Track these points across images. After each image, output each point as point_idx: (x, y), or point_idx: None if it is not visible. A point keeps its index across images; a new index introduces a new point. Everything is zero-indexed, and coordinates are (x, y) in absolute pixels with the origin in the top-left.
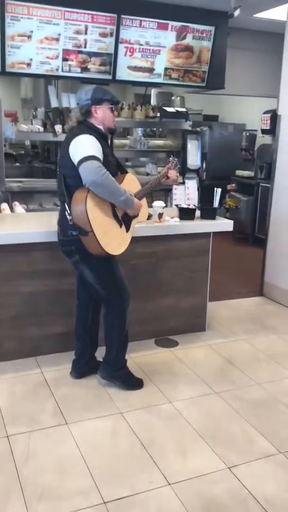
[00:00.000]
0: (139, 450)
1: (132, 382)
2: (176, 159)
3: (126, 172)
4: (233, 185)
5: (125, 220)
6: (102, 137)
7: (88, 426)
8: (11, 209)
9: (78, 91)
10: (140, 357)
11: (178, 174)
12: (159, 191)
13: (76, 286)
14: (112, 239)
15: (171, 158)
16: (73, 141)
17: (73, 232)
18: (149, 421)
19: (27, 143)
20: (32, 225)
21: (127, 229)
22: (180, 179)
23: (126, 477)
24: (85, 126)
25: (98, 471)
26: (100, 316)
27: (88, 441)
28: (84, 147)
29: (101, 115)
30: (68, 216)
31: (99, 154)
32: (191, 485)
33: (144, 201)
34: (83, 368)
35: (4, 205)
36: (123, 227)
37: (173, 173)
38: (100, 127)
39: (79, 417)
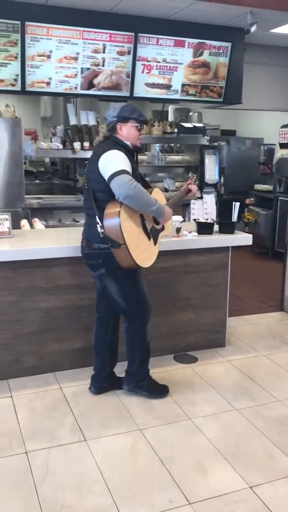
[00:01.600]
0: (158, 468)
1: (158, 389)
2: (195, 174)
3: (150, 187)
4: (252, 199)
5: (154, 234)
6: (129, 152)
7: (107, 442)
8: (31, 225)
9: (108, 108)
10: (159, 373)
11: (197, 188)
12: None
13: (96, 300)
14: (142, 252)
15: (190, 174)
16: (102, 156)
17: (101, 245)
18: (168, 438)
19: (47, 160)
20: (51, 241)
21: (155, 243)
22: (198, 194)
23: (145, 496)
24: (112, 142)
25: (117, 488)
26: (120, 331)
27: (107, 458)
28: (114, 162)
29: (126, 133)
30: (99, 229)
31: (129, 168)
32: (212, 505)
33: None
34: (102, 383)
35: (24, 222)
36: (151, 240)
37: (194, 188)
38: (127, 142)
39: (98, 434)
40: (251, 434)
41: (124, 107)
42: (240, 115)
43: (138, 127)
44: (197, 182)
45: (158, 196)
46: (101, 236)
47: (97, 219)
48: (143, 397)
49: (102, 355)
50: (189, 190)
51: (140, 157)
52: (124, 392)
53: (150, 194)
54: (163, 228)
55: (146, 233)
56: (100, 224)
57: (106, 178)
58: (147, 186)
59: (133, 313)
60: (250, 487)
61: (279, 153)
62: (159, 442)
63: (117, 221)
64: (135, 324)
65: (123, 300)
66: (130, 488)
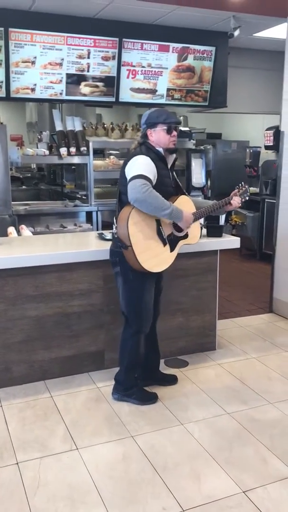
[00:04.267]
0: (151, 475)
1: (147, 397)
2: (246, 186)
3: (184, 194)
4: None
5: (172, 240)
6: (160, 158)
7: (99, 451)
8: (18, 232)
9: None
10: None
11: (243, 201)
12: None
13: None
14: (152, 257)
15: (240, 185)
16: (130, 161)
17: (119, 244)
18: (161, 444)
19: (33, 166)
20: (39, 248)
21: (172, 249)
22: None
23: (138, 504)
24: (145, 147)
25: (110, 498)
26: (157, 325)
27: (99, 466)
28: (136, 167)
29: (156, 138)
30: (114, 230)
31: (151, 174)
32: (206, 511)
33: (197, 224)
34: (146, 378)
35: (11, 229)
36: (167, 246)
37: (236, 200)
38: (159, 149)
39: (89, 442)
40: (243, 438)
41: (152, 113)
42: (225, 119)
43: (167, 130)
44: (248, 193)
45: (185, 204)
46: (115, 236)
47: (115, 220)
48: (133, 404)
49: (144, 348)
50: (230, 203)
51: None
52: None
53: (176, 200)
54: (186, 236)
55: (161, 238)
56: (116, 225)
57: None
58: (181, 193)
59: (130, 318)
60: (244, 492)
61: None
62: (152, 449)
63: (125, 223)
64: (130, 330)
65: (125, 302)
66: (123, 497)
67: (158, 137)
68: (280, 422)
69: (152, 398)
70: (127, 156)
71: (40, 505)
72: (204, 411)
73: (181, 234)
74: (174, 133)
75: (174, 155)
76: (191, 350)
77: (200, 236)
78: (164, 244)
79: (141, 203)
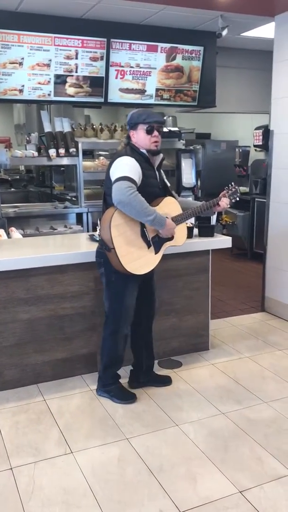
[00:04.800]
0: (147, 477)
1: (122, 396)
2: (236, 187)
3: (172, 196)
4: None
5: (157, 242)
6: (145, 159)
7: (94, 454)
8: (8, 234)
9: None
10: None
11: (232, 202)
12: None
13: None
14: (136, 259)
15: (229, 186)
16: (114, 162)
17: (104, 246)
18: (156, 446)
19: (22, 168)
20: (30, 250)
21: (157, 251)
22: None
23: (135, 507)
24: (129, 149)
25: (106, 501)
26: (153, 325)
27: (94, 469)
28: (120, 168)
29: (137, 139)
30: (97, 231)
31: (135, 175)
32: None
33: (183, 225)
34: (139, 378)
35: (1, 232)
36: (152, 248)
37: (225, 201)
38: (143, 150)
39: (84, 445)
40: (238, 438)
41: (134, 113)
42: (214, 118)
43: (147, 131)
44: (239, 194)
45: (170, 205)
46: (98, 238)
47: (99, 221)
48: (126, 405)
49: (138, 348)
50: (218, 204)
51: None
52: (108, 400)
53: (161, 202)
54: (172, 238)
55: (145, 240)
56: (99, 226)
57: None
58: (168, 194)
59: (109, 318)
60: (240, 492)
61: None
62: (147, 451)
63: (107, 225)
64: (107, 330)
65: (106, 302)
66: (119, 500)
67: (139, 138)
68: (275, 421)
69: (129, 398)
70: (112, 157)
71: (35, 510)
72: (198, 412)
73: (166, 236)
74: (156, 133)
75: (161, 155)
76: (185, 350)
77: (192, 236)
78: (149, 246)
79: (125, 205)
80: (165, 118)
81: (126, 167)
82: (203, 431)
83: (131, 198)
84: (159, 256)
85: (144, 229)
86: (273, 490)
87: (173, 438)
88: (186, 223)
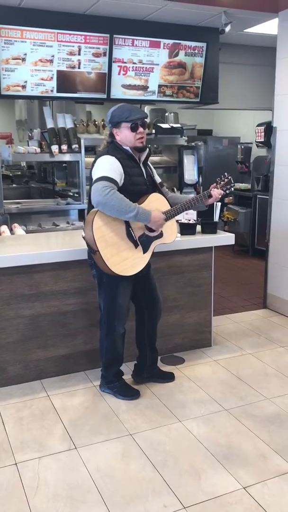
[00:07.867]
0: (151, 473)
1: (126, 392)
2: (230, 177)
3: (161, 193)
4: (231, 198)
5: (145, 241)
6: (129, 157)
7: (98, 449)
8: (11, 231)
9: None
10: None
11: (226, 192)
12: None
13: None
14: (123, 260)
15: (222, 177)
16: (95, 162)
17: None
18: (159, 442)
19: (23, 164)
20: (33, 246)
21: (145, 250)
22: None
23: (139, 502)
24: (112, 147)
25: (110, 496)
26: (158, 323)
27: (98, 465)
28: (100, 168)
29: (122, 137)
30: (82, 234)
31: (116, 174)
32: (207, 508)
33: (173, 222)
34: (143, 373)
35: (4, 228)
36: (140, 248)
37: (217, 192)
38: (127, 147)
39: (88, 441)
40: (241, 434)
41: (114, 111)
42: (216, 115)
43: (132, 128)
44: (233, 185)
45: (157, 202)
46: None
47: (83, 223)
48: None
49: (142, 344)
50: (210, 195)
51: None
52: (112, 396)
53: (147, 199)
54: (161, 235)
55: (132, 240)
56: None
57: None
58: (158, 190)
59: (105, 318)
60: (244, 488)
61: None
62: (151, 447)
63: (90, 227)
64: (103, 330)
65: (101, 302)
66: (123, 495)
67: (124, 136)
68: (278, 417)
69: (133, 394)
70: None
71: (40, 505)
72: (202, 408)
73: (154, 234)
74: (140, 129)
75: (147, 150)
76: (187, 347)
77: (195, 233)
78: (136, 246)
79: (103, 206)
80: (166, 114)
81: (105, 166)
82: (207, 427)
83: (107, 197)
84: (148, 255)
85: (130, 228)
86: (277, 486)
87: (176, 434)
88: (189, 220)
